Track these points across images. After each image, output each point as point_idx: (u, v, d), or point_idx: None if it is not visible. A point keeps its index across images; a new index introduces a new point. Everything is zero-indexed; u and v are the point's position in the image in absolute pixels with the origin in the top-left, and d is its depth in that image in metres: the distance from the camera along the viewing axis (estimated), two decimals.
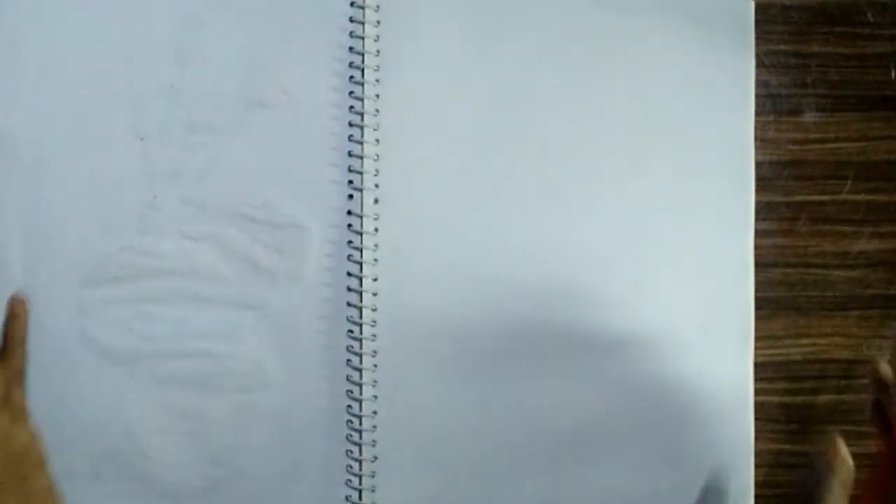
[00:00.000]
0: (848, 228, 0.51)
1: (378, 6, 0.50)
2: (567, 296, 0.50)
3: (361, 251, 0.49)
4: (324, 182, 0.50)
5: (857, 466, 0.49)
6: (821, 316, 0.51)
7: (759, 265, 0.51)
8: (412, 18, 0.50)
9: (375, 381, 0.49)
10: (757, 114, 0.51)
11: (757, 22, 0.51)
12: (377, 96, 0.50)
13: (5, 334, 0.45)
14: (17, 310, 0.46)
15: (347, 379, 0.49)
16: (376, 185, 0.50)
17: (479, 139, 0.50)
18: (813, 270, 0.51)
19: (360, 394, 0.49)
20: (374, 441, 0.49)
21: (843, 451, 0.43)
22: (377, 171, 0.50)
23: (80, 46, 0.50)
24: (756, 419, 0.50)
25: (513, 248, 0.50)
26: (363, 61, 0.50)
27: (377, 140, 0.50)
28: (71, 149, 0.50)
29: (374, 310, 0.49)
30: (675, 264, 0.50)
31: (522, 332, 0.50)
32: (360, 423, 0.49)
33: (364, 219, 0.50)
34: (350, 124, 0.50)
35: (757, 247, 0.51)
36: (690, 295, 0.50)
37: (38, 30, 0.50)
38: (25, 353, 0.45)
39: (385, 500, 0.49)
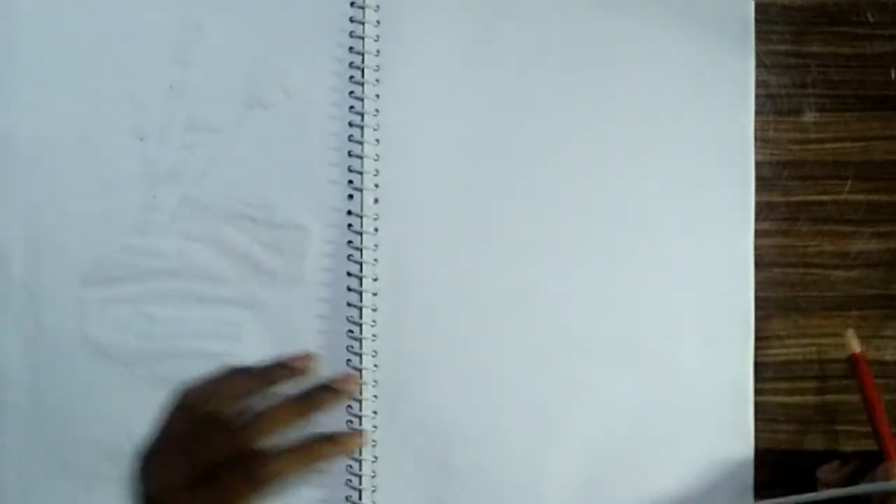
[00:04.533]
0: (848, 228, 0.51)
1: (378, 6, 0.50)
2: (566, 296, 0.50)
3: (361, 251, 0.49)
4: (324, 182, 0.50)
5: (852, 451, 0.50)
6: (821, 316, 0.51)
7: (759, 265, 0.51)
8: (412, 18, 0.50)
9: (375, 382, 0.49)
10: (757, 114, 0.51)
11: (757, 22, 0.51)
12: (377, 96, 0.50)
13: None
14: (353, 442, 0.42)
15: None
16: (376, 185, 0.50)
17: (478, 139, 0.50)
18: (813, 270, 0.51)
19: (360, 393, 0.49)
20: (374, 441, 0.49)
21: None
22: (377, 171, 0.50)
23: (80, 46, 0.50)
24: (756, 419, 0.50)
25: (512, 249, 0.50)
26: (363, 61, 0.50)
27: (377, 140, 0.50)
28: (71, 149, 0.50)
29: (374, 310, 0.49)
30: (675, 264, 0.50)
31: (522, 332, 0.50)
32: (360, 423, 0.49)
33: (364, 219, 0.50)
34: (350, 124, 0.50)
35: (757, 247, 0.51)
36: (690, 295, 0.50)
37: (38, 30, 0.50)
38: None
39: (385, 500, 0.49)
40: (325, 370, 0.49)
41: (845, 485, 0.47)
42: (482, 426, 0.50)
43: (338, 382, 0.42)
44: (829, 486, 0.47)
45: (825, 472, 0.49)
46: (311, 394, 0.41)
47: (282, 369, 0.41)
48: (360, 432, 0.46)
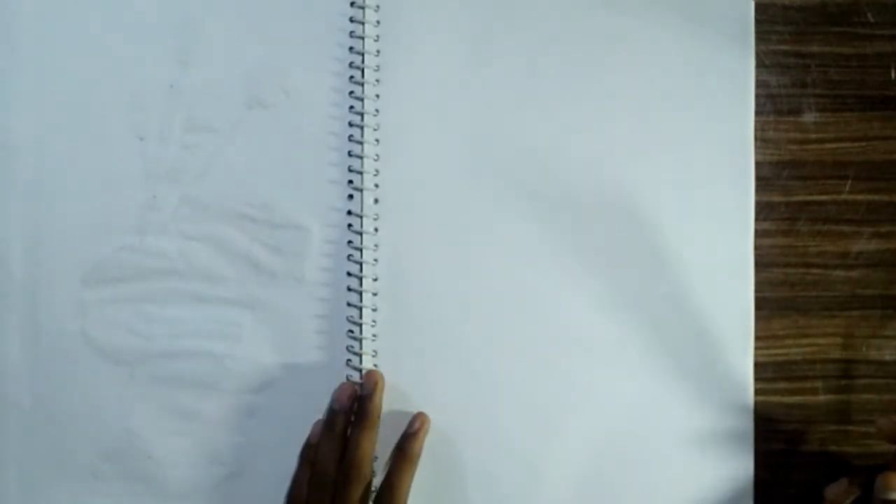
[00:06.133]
0: (848, 228, 0.51)
1: (378, 6, 0.50)
2: (566, 296, 0.50)
3: (361, 251, 0.49)
4: (324, 182, 0.50)
5: (859, 466, 0.50)
6: (821, 316, 0.51)
7: (759, 265, 0.51)
8: (412, 18, 0.50)
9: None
10: (757, 114, 0.51)
11: (757, 22, 0.51)
12: (377, 96, 0.50)
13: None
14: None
15: (347, 379, 0.49)
16: (376, 185, 0.50)
17: (478, 139, 0.50)
18: (813, 270, 0.51)
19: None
20: None
21: None
22: (377, 171, 0.50)
23: (80, 46, 0.50)
24: (756, 419, 0.50)
25: (512, 248, 0.50)
26: (363, 61, 0.50)
27: (377, 140, 0.50)
28: (71, 149, 0.50)
29: (374, 310, 0.49)
30: (674, 264, 0.50)
31: (522, 332, 0.50)
32: None
33: (364, 219, 0.50)
34: (350, 124, 0.50)
35: (757, 247, 0.51)
36: (690, 295, 0.50)
37: (38, 30, 0.50)
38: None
39: None
40: (324, 370, 0.50)
41: (854, 502, 0.46)
42: (482, 426, 0.50)
43: (364, 387, 0.48)
44: None
45: (833, 492, 0.47)
46: (363, 410, 0.47)
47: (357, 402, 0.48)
48: (422, 413, 0.49)
